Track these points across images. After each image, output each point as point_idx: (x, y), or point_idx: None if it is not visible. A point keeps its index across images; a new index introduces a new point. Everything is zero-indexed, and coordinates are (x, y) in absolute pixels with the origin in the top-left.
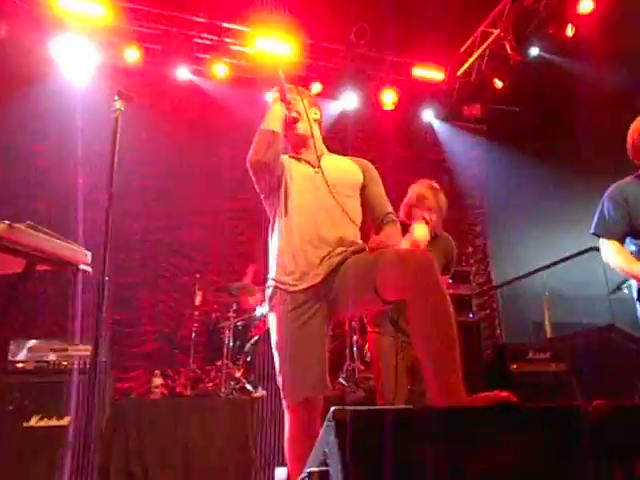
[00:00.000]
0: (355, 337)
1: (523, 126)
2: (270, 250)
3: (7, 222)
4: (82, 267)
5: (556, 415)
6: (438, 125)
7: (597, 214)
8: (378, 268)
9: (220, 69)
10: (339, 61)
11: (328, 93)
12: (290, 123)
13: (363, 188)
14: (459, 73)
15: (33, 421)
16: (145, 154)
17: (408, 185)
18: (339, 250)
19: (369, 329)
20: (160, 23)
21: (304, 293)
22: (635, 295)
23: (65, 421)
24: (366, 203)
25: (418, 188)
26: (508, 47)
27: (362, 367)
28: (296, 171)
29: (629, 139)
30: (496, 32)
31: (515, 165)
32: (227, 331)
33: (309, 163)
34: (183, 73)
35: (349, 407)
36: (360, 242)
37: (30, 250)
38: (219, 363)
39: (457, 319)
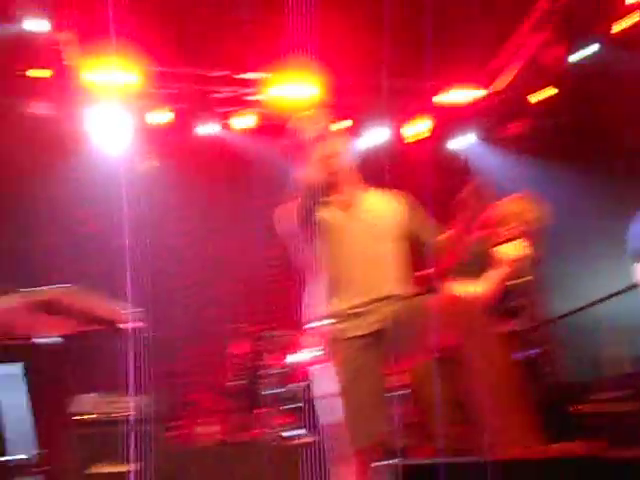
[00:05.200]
0: None
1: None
2: (312, 300)
3: (60, 286)
4: (123, 326)
5: None
6: (477, 147)
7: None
8: (429, 317)
9: (247, 120)
10: (364, 95)
11: (354, 130)
12: (325, 163)
13: (408, 222)
14: (494, 90)
15: (94, 469)
16: (177, 210)
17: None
18: (387, 300)
19: None
20: (183, 82)
21: (358, 340)
22: None
23: (124, 468)
24: (414, 234)
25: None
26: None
27: None
28: (331, 218)
29: None
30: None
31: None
32: (268, 378)
33: (344, 207)
34: (210, 128)
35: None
36: (409, 286)
37: (82, 313)
38: (261, 410)
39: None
